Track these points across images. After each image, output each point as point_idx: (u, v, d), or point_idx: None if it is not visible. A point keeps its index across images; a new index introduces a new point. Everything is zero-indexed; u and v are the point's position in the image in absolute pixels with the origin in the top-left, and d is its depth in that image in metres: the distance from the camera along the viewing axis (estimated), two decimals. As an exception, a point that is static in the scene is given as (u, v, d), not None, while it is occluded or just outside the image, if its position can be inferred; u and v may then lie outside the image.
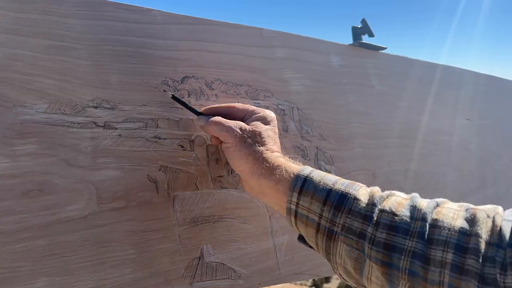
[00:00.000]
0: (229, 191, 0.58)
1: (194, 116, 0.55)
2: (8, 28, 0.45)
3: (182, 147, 0.55)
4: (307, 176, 0.44)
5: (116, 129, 0.50)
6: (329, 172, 0.69)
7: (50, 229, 0.43)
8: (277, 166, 0.46)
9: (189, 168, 0.55)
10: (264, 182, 0.46)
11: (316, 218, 0.42)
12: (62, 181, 0.45)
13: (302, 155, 0.68)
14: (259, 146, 0.48)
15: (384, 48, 0.87)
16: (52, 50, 0.48)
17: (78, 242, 0.45)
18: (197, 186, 0.55)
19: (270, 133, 0.51)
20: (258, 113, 0.52)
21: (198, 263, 0.53)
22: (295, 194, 0.44)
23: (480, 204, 0.38)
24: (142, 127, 0.52)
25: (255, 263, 0.58)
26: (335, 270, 0.43)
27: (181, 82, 0.58)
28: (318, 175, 0.44)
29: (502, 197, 0.96)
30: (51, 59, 0.48)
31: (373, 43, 0.85)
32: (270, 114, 0.53)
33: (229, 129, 0.49)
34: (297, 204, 0.43)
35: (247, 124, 0.51)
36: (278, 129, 0.66)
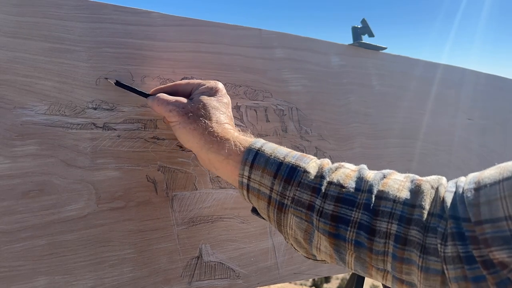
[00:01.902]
0: (227, 191, 0.58)
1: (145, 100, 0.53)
2: (9, 31, 0.46)
3: (181, 147, 0.56)
4: (258, 150, 0.44)
5: (115, 130, 0.51)
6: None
7: (50, 228, 0.44)
8: (226, 139, 0.45)
9: (188, 168, 0.55)
10: (213, 157, 0.45)
11: (267, 191, 0.42)
12: (62, 182, 0.46)
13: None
14: (204, 120, 0.47)
15: (384, 48, 0.87)
16: (52, 53, 0.49)
17: (78, 241, 0.46)
18: (195, 186, 0.56)
19: (215, 103, 0.49)
20: (203, 85, 0.51)
21: (197, 263, 0.53)
22: (247, 168, 0.43)
23: None
24: (141, 128, 0.53)
25: (254, 262, 0.58)
26: (287, 241, 0.44)
27: (180, 83, 0.58)
28: (270, 148, 0.44)
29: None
30: (51, 62, 0.48)
31: (373, 43, 0.85)
32: (216, 85, 0.51)
33: (171, 107, 0.48)
34: (249, 177, 0.43)
35: (192, 97, 0.50)
36: (277, 130, 0.66)
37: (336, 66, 0.79)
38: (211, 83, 0.51)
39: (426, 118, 0.88)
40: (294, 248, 0.44)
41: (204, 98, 0.49)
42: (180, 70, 0.59)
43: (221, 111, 0.49)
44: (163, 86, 0.53)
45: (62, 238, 0.45)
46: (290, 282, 0.65)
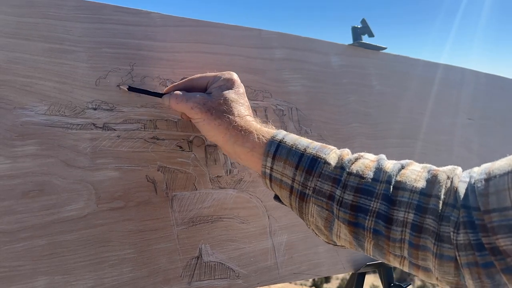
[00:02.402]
0: (227, 191, 0.58)
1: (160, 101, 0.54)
2: (9, 32, 0.46)
3: (181, 147, 0.56)
4: (280, 141, 0.46)
5: (115, 130, 0.51)
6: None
7: (50, 228, 0.44)
8: (250, 132, 0.47)
9: (188, 168, 0.56)
10: (239, 149, 0.47)
11: (289, 182, 0.44)
12: (62, 182, 0.46)
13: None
14: (227, 115, 0.48)
15: (384, 48, 0.87)
16: (52, 53, 0.49)
17: (77, 241, 0.46)
18: (195, 186, 0.56)
19: (234, 96, 0.50)
20: (219, 78, 0.52)
21: (197, 263, 0.53)
22: (269, 159, 0.45)
23: None
24: (141, 128, 0.53)
25: (254, 262, 0.58)
26: (308, 227, 0.46)
27: (180, 84, 0.58)
28: (291, 139, 0.46)
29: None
30: (51, 62, 0.49)
31: (373, 43, 0.85)
32: (232, 76, 0.52)
33: (192, 104, 0.49)
34: (271, 168, 0.46)
35: (211, 92, 0.51)
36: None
37: (336, 66, 0.79)
38: (226, 75, 0.52)
39: (426, 118, 0.88)
40: (315, 233, 0.46)
41: (224, 93, 0.50)
42: (180, 70, 0.59)
43: (240, 103, 0.50)
44: (177, 83, 0.54)
45: (62, 238, 0.45)
46: (290, 282, 0.65)
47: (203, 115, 0.48)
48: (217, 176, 0.58)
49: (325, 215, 0.42)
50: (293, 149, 0.45)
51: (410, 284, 0.72)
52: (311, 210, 0.43)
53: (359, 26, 0.84)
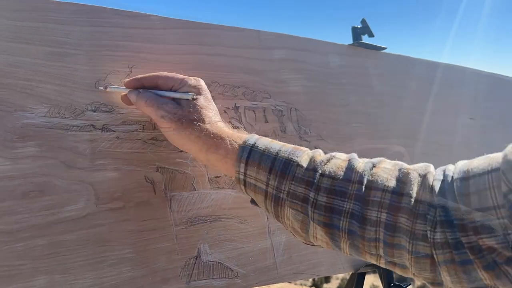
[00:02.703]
0: (226, 191, 0.59)
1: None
2: (9, 36, 0.47)
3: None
4: (252, 146, 0.45)
5: (114, 131, 0.52)
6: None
7: (50, 228, 0.45)
8: (222, 138, 0.47)
9: (186, 168, 0.56)
10: (212, 157, 0.47)
11: (264, 186, 0.44)
12: (62, 182, 0.47)
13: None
14: (198, 123, 0.47)
15: (384, 48, 0.87)
16: (51, 56, 0.50)
17: (77, 241, 0.46)
18: (194, 187, 0.56)
19: (203, 103, 0.49)
20: (186, 84, 0.50)
21: (195, 262, 0.54)
22: (242, 165, 0.45)
23: None
24: (140, 129, 0.54)
25: (253, 262, 0.59)
26: (286, 229, 0.46)
27: (178, 85, 0.59)
28: (263, 143, 0.46)
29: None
30: (51, 65, 0.49)
31: (373, 43, 0.86)
32: (199, 82, 0.51)
33: (164, 114, 0.47)
34: (245, 173, 0.45)
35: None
36: (276, 130, 0.67)
37: (336, 66, 0.79)
38: (193, 81, 0.51)
39: (426, 118, 0.88)
40: (293, 235, 0.46)
41: (201, 98, 0.50)
42: (179, 72, 0.59)
43: (210, 109, 0.50)
44: (140, 77, 0.51)
45: (61, 238, 0.45)
46: (289, 282, 0.65)
47: (172, 125, 0.47)
48: (216, 177, 0.59)
49: (300, 217, 0.42)
50: (266, 153, 0.44)
51: (410, 284, 0.72)
52: (287, 213, 0.43)
53: (359, 26, 0.84)
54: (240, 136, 0.47)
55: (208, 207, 0.57)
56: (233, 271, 0.56)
